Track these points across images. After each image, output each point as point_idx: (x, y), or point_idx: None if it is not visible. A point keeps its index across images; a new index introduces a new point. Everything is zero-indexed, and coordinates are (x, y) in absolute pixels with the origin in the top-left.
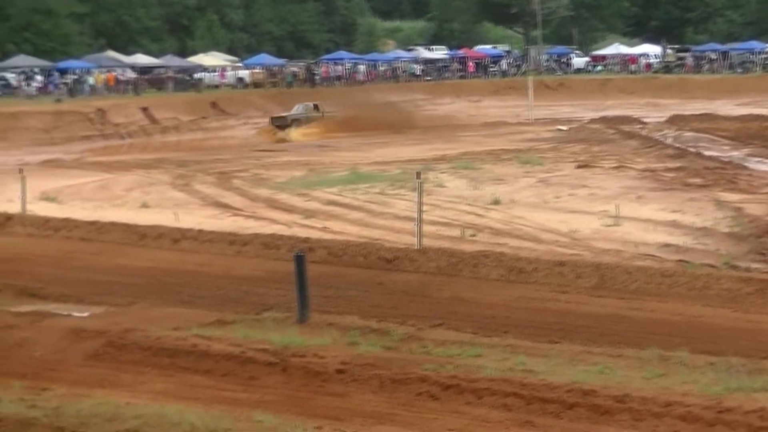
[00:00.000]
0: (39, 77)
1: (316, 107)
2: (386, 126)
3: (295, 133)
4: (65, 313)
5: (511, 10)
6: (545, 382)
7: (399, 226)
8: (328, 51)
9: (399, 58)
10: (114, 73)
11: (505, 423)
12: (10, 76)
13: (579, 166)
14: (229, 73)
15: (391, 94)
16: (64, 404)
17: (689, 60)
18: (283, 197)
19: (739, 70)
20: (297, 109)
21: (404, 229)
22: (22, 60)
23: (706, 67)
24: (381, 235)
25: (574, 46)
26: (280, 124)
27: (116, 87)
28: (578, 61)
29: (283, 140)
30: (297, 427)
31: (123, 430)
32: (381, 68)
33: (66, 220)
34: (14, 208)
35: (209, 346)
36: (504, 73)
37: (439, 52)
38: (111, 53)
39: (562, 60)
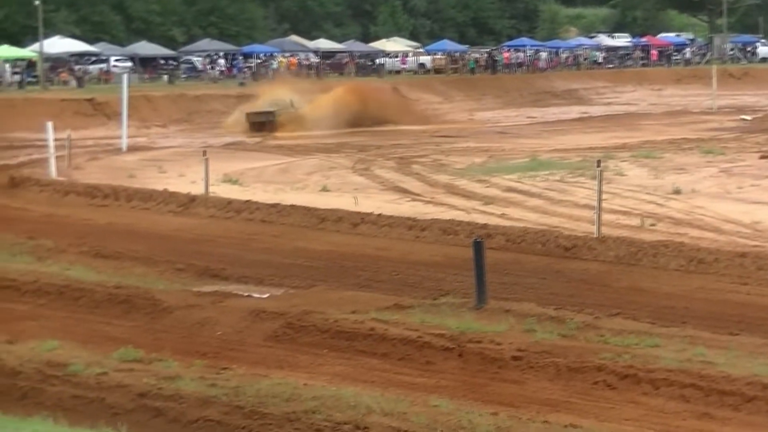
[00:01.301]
0: (222, 61)
1: (291, 103)
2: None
3: (279, 133)
4: (246, 293)
5: None
6: (724, 374)
7: (578, 214)
8: (510, 37)
9: (581, 45)
10: (297, 58)
11: (683, 414)
12: (196, 60)
13: (763, 157)
14: (411, 59)
15: (571, 81)
16: (243, 384)
17: None
18: (462, 183)
19: None
20: (272, 105)
21: (583, 217)
22: (207, 44)
23: None
24: (560, 222)
25: (760, 35)
26: (261, 120)
27: (298, 71)
28: (764, 50)
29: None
30: (472, 413)
31: (300, 411)
32: (563, 55)
33: (248, 202)
34: (197, 189)
35: (386, 330)
36: (687, 62)
37: (622, 40)
38: (294, 38)
39: (747, 49)
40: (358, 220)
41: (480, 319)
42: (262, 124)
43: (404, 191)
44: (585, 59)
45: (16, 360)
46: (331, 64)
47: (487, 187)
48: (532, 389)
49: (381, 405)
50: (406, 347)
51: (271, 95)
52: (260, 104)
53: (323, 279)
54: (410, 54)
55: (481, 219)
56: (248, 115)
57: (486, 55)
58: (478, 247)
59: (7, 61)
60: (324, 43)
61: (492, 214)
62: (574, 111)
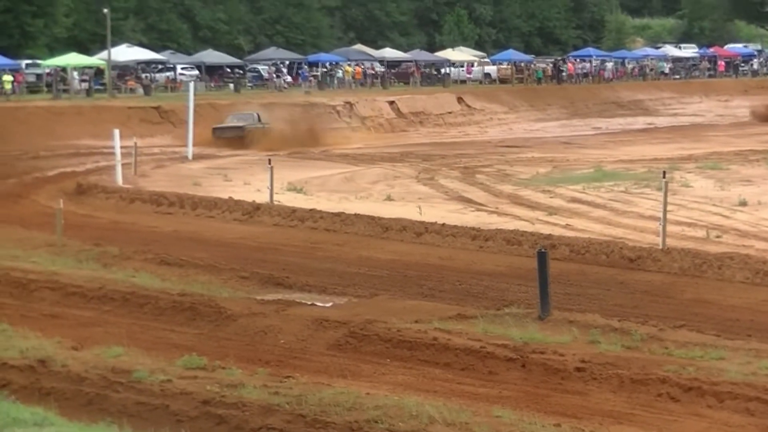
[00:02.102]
0: (284, 69)
1: (259, 117)
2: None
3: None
4: (309, 302)
5: (764, 8)
6: None
7: (642, 225)
8: (576, 47)
9: (647, 55)
10: (362, 67)
11: (747, 428)
12: (262, 68)
13: None
14: (476, 68)
15: (637, 92)
16: (305, 392)
17: None
18: (526, 193)
19: None
20: (239, 120)
21: (648, 228)
22: (273, 52)
23: None
24: (624, 233)
25: None
26: (231, 135)
27: (363, 80)
28: None
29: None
30: (535, 424)
31: (363, 420)
32: (629, 66)
33: (312, 210)
34: (262, 198)
35: (449, 339)
36: (755, 73)
37: (689, 50)
38: (360, 47)
39: None
40: (422, 230)
41: (543, 330)
42: (230, 140)
43: (468, 201)
44: (651, 70)
45: (82, 366)
46: (396, 73)
47: (552, 197)
48: (595, 401)
49: (443, 415)
50: (468, 357)
51: (237, 109)
52: (227, 119)
53: (386, 288)
54: (475, 63)
55: (545, 229)
56: (214, 129)
57: (551, 65)
58: (542, 257)
59: (75, 68)
60: (389, 53)
61: (556, 224)
62: (640, 122)
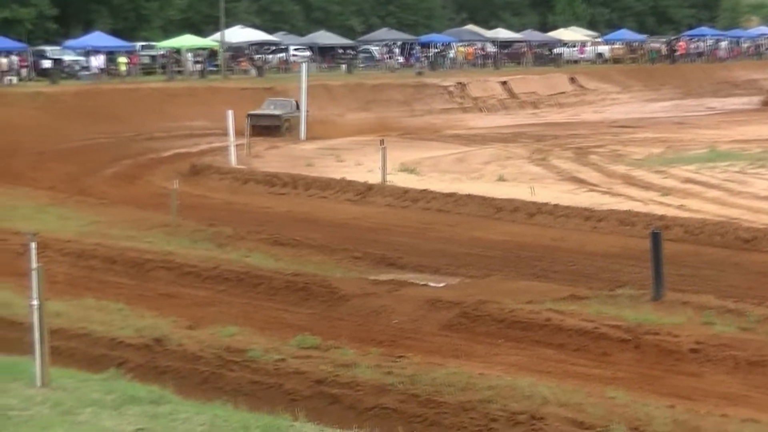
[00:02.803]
0: (397, 50)
1: (297, 105)
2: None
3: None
4: (422, 282)
5: None
6: None
7: (758, 206)
8: (690, 27)
9: (763, 34)
10: (474, 47)
11: None
12: (374, 49)
13: None
14: (588, 48)
15: (752, 71)
16: (419, 372)
17: None
18: (640, 174)
19: None
20: (276, 107)
21: (763, 209)
22: (385, 33)
23: None
24: (739, 214)
25: None
26: (266, 124)
27: (475, 61)
28: None
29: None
30: (649, 405)
31: (476, 401)
32: (744, 45)
33: (424, 191)
34: (374, 178)
35: (562, 320)
36: None
37: None
38: (472, 27)
39: None
40: (534, 210)
41: (657, 311)
42: (266, 128)
43: (581, 182)
44: (766, 49)
45: (197, 345)
46: (508, 53)
47: (665, 178)
48: (709, 382)
49: (557, 396)
50: (582, 338)
51: (274, 96)
52: (263, 104)
53: (499, 269)
54: (588, 43)
55: (658, 210)
56: (250, 116)
57: (665, 44)
58: (655, 238)
59: (189, 50)
60: (502, 33)
61: (670, 205)
62: (755, 101)
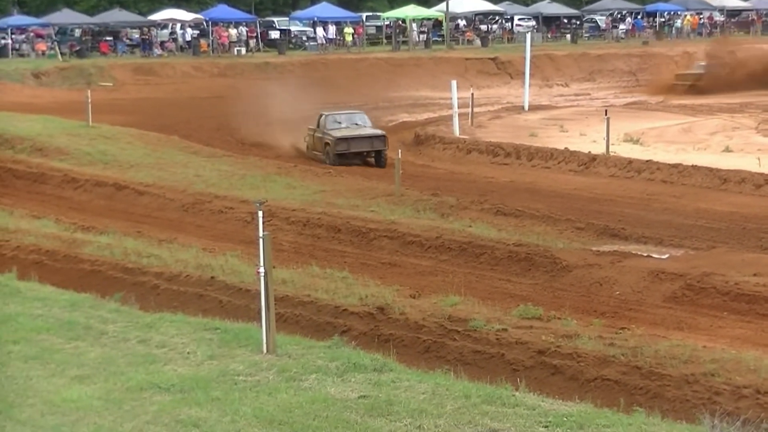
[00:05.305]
0: (629, 19)
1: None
2: None
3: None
4: (645, 254)
5: None
6: None
7: None
8: None
9: None
10: (699, 16)
11: None
12: (599, 18)
13: None
14: None
15: None
16: (641, 344)
17: None
18: None
19: None
20: (697, 67)
21: None
22: (611, 2)
23: None
24: None
25: None
26: (368, 150)
27: (701, 30)
28: None
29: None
30: None
31: (699, 374)
32: None
33: (648, 162)
34: (598, 149)
35: None
36: None
37: None
38: None
39: None
40: (761, 182)
41: None
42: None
43: None
44: None
45: (420, 314)
46: (736, 22)
47: None
48: None
49: None
50: None
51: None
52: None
53: (724, 241)
54: None
55: None
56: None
57: None
58: None
59: (414, 20)
60: (729, 1)
61: None
62: None
